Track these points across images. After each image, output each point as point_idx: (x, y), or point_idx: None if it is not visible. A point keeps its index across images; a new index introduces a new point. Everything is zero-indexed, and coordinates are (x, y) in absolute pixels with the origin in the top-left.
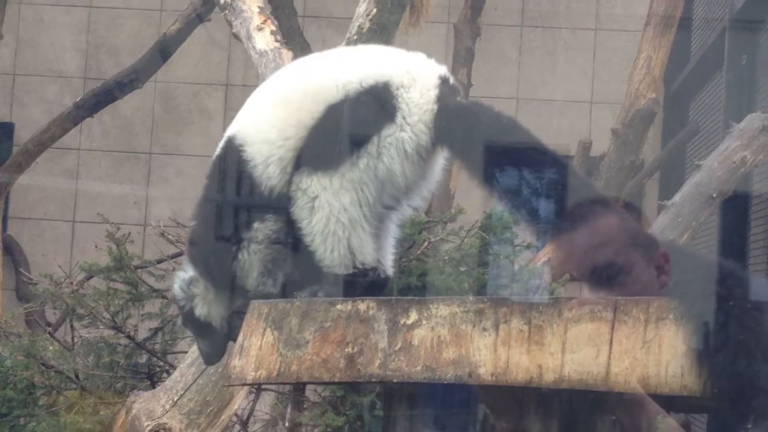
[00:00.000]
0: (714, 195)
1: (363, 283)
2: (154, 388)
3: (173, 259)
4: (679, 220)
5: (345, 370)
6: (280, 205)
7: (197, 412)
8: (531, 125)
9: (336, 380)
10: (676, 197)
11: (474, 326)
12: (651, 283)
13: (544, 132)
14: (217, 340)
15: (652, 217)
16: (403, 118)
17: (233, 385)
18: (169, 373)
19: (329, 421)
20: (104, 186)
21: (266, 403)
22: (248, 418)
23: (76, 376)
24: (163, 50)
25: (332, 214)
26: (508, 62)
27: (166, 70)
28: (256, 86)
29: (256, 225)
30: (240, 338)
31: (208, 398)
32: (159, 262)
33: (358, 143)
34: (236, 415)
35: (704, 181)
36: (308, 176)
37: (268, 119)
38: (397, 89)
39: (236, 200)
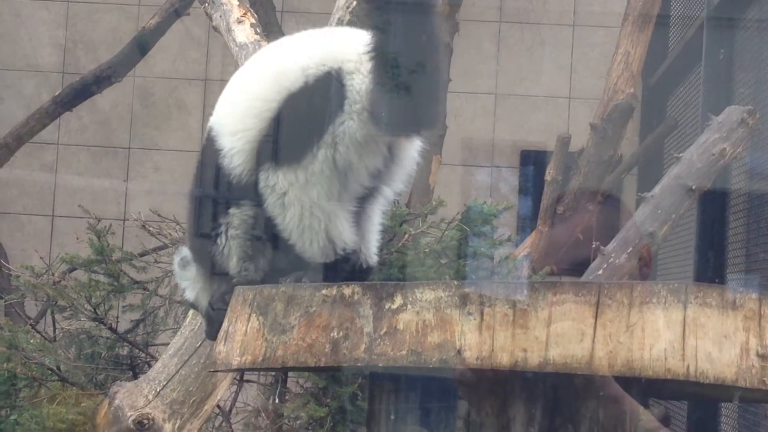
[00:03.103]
0: (693, 187)
1: (347, 267)
2: (135, 379)
3: (155, 252)
4: (659, 212)
5: (330, 354)
6: (249, 194)
7: (180, 403)
8: (510, 120)
9: (321, 365)
10: (656, 189)
11: (459, 310)
12: (632, 275)
13: (523, 127)
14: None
15: (631, 211)
16: (350, 105)
17: (219, 371)
18: (150, 365)
19: (311, 412)
20: (83, 181)
21: (249, 395)
22: (231, 409)
23: (58, 368)
24: (141, 45)
25: (304, 209)
26: (487, 58)
27: (144, 65)
28: None
29: (232, 210)
30: (225, 324)
31: (190, 389)
32: (142, 255)
33: (316, 134)
34: (218, 406)
35: (684, 173)
36: (274, 172)
37: (233, 109)
38: (346, 75)
39: (213, 188)
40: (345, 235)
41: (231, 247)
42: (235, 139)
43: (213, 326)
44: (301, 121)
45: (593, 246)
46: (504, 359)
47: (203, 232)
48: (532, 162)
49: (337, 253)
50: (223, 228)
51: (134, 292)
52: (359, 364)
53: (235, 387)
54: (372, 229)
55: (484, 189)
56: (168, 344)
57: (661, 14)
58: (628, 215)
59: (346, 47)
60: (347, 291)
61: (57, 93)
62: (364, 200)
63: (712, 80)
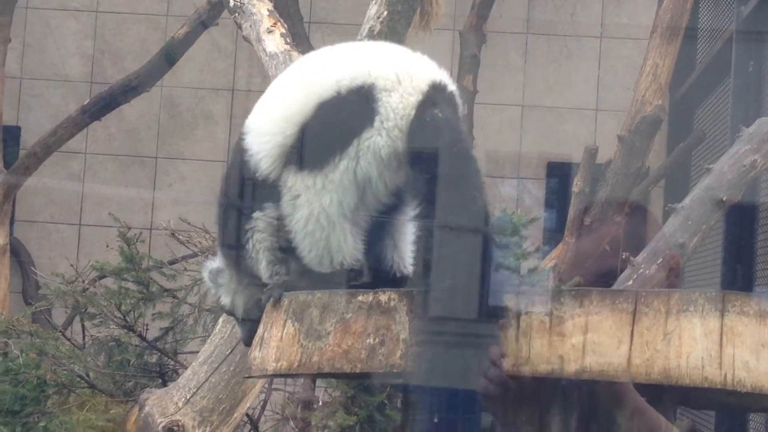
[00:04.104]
0: (724, 199)
1: (341, 282)
2: (164, 387)
3: (184, 260)
4: (689, 223)
5: (366, 361)
6: (273, 197)
7: (210, 410)
8: (537, 132)
9: (357, 371)
10: (686, 200)
11: None
12: (660, 286)
13: (550, 139)
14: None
15: (658, 222)
16: (381, 122)
17: (254, 377)
18: (179, 373)
19: (340, 421)
20: (110, 190)
21: (277, 403)
22: (259, 417)
23: (87, 375)
24: (169, 55)
25: (311, 214)
26: (514, 69)
27: (171, 76)
28: (261, 91)
29: (256, 214)
30: (260, 329)
31: (220, 396)
32: (171, 263)
33: (340, 144)
34: (247, 414)
35: (714, 184)
36: (294, 174)
37: (266, 111)
38: (380, 92)
39: (240, 189)
40: (345, 250)
41: (259, 251)
42: (263, 141)
43: (248, 332)
44: (328, 130)
45: (623, 257)
46: (540, 367)
47: (231, 237)
48: (559, 174)
49: (334, 266)
50: (251, 231)
51: (163, 300)
52: (395, 371)
53: (263, 395)
54: (404, 240)
55: (511, 201)
56: (197, 352)
57: (690, 26)
58: (656, 227)
59: (382, 63)
60: (383, 298)
61: (85, 103)
62: (394, 211)
63: (742, 92)
